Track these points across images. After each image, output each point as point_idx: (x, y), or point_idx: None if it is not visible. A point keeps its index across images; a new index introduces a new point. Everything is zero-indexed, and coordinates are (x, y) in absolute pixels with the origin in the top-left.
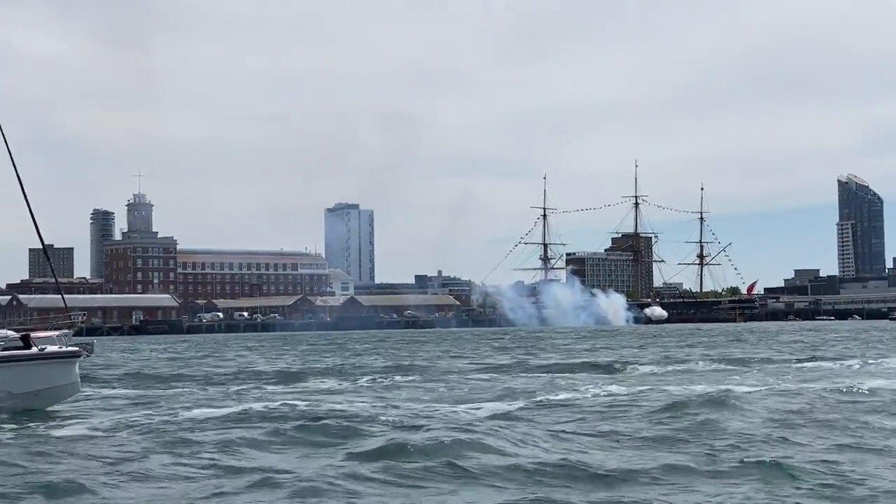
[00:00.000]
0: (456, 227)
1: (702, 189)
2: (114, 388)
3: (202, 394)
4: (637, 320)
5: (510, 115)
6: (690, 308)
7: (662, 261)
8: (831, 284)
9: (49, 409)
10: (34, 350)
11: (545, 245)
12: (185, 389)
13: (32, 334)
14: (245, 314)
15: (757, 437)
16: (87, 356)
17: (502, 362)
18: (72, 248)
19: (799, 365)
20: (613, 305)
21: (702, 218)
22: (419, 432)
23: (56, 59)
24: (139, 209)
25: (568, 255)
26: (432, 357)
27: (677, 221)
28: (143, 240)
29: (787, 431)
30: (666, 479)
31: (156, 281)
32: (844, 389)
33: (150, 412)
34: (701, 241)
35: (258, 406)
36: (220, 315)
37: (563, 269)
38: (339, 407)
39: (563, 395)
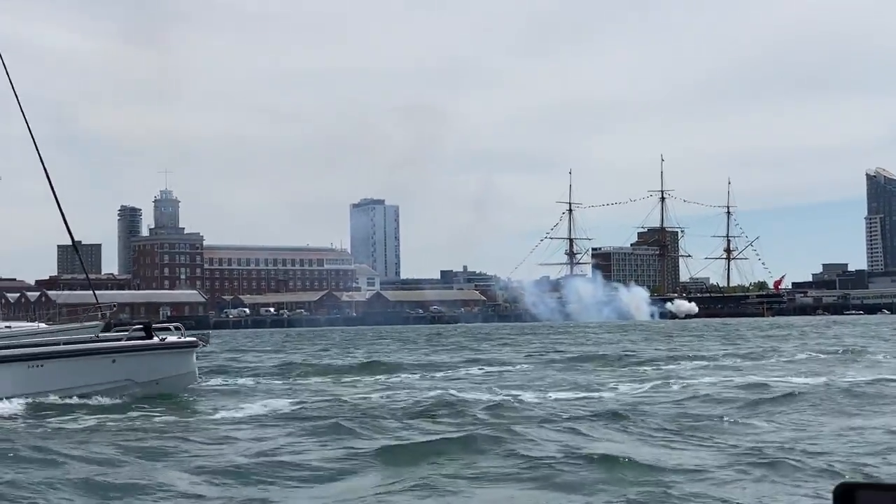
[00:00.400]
0: (481, 222)
1: (729, 183)
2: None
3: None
4: (662, 315)
5: (534, 110)
6: (717, 303)
7: (689, 255)
8: (860, 279)
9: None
10: (155, 340)
11: (571, 240)
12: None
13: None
14: (271, 310)
15: None
16: (204, 346)
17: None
18: (99, 245)
19: None
20: (635, 299)
21: (728, 212)
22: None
23: (81, 57)
24: (166, 205)
25: (594, 249)
26: (507, 357)
27: (704, 216)
28: (170, 236)
29: None
30: None
31: (182, 277)
32: None
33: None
34: (728, 236)
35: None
36: (247, 311)
37: (588, 263)
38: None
39: None
